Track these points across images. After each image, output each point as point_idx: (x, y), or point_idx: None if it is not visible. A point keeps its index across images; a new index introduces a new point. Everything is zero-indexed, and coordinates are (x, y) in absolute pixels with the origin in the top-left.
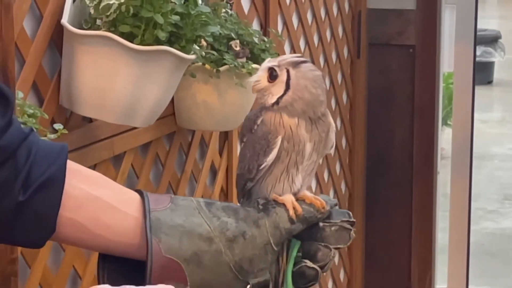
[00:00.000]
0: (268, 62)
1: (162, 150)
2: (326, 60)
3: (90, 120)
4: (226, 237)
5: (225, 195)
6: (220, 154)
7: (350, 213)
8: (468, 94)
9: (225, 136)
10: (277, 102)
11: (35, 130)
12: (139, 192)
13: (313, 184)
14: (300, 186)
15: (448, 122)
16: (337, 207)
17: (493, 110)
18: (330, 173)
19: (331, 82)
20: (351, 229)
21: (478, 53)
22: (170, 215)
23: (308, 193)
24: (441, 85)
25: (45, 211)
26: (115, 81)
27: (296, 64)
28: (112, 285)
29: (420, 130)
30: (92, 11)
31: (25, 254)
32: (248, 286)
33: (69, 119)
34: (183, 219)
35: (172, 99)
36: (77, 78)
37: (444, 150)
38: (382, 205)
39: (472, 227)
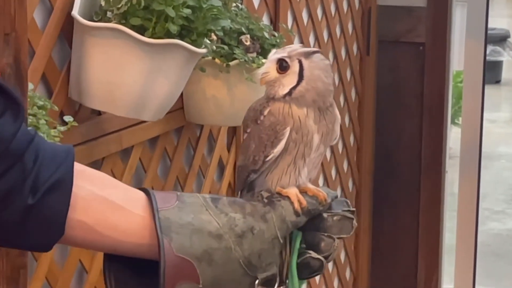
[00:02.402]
0: (276, 54)
1: (170, 145)
2: (335, 57)
3: (99, 113)
4: (235, 233)
5: (232, 190)
6: (228, 149)
7: (349, 201)
8: (477, 93)
9: (233, 132)
10: (289, 93)
11: (39, 133)
12: (145, 191)
13: (321, 181)
14: (305, 179)
15: (456, 121)
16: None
17: (501, 109)
18: (337, 171)
19: (340, 78)
20: (353, 219)
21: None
22: (179, 213)
23: (310, 185)
24: (451, 83)
25: (54, 213)
26: (125, 74)
27: (308, 55)
28: (119, 284)
29: (429, 128)
30: (103, 3)
31: None
32: (257, 281)
33: (78, 112)
34: (192, 216)
35: (181, 93)
36: (86, 71)
37: (451, 149)
38: (390, 204)
39: (478, 228)
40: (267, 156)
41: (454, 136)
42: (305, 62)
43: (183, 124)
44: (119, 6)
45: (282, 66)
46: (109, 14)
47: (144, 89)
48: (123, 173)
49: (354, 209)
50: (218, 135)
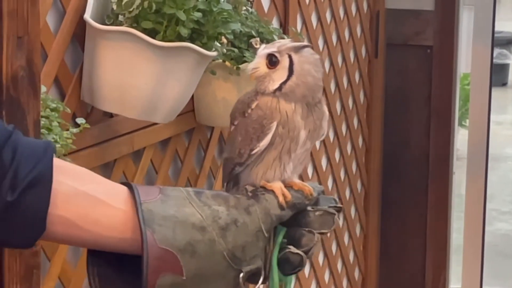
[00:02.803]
0: (266, 49)
1: (181, 146)
2: (344, 59)
3: (111, 115)
4: (218, 225)
5: None
6: None
7: (337, 199)
8: (484, 96)
9: None
10: (279, 88)
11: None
12: (127, 185)
13: (330, 183)
14: (291, 174)
15: (463, 123)
16: (323, 194)
17: (507, 112)
18: (346, 172)
19: (349, 81)
20: (335, 214)
21: None
22: (162, 206)
23: (296, 180)
24: (458, 86)
25: (35, 210)
26: (137, 77)
27: (298, 49)
28: (102, 280)
29: (436, 130)
30: (114, 6)
31: (45, 248)
32: (241, 274)
33: (90, 114)
34: (175, 209)
35: (192, 95)
36: (98, 74)
37: (458, 150)
38: (398, 205)
39: (486, 228)
40: (253, 150)
41: (461, 138)
42: (295, 57)
43: (194, 126)
44: (131, 9)
45: (272, 61)
46: (120, 17)
47: (155, 92)
48: (134, 175)
49: (341, 205)
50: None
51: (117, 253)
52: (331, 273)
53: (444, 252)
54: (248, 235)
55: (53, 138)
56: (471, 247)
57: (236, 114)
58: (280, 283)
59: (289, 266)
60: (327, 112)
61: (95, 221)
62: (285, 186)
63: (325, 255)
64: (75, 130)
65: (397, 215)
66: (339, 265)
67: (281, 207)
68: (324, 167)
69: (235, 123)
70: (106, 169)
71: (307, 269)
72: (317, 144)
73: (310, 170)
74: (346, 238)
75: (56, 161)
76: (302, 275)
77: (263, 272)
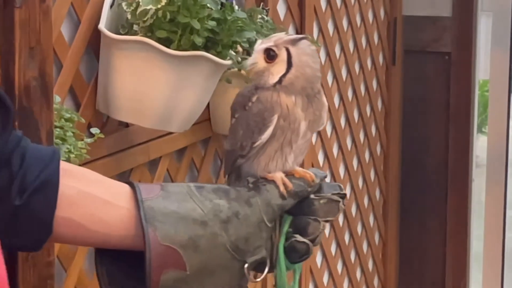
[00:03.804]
0: (263, 44)
1: (198, 155)
2: (361, 67)
3: (127, 125)
4: (220, 219)
5: None
6: None
7: (341, 185)
8: (503, 102)
9: None
10: (279, 81)
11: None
12: (130, 184)
13: (348, 191)
14: (292, 164)
15: (483, 130)
16: (327, 180)
17: None
18: (364, 180)
19: (366, 88)
20: (339, 201)
21: None
22: (163, 202)
23: (297, 168)
24: (477, 92)
25: (42, 213)
26: (152, 86)
27: (295, 42)
28: (110, 277)
29: (456, 137)
30: (129, 16)
31: (61, 258)
32: (246, 265)
33: (105, 124)
34: (176, 205)
35: (208, 104)
36: (113, 83)
37: (478, 157)
38: (417, 213)
39: (506, 235)
40: (255, 142)
41: (481, 145)
42: (292, 50)
43: (210, 135)
44: (145, 19)
45: (270, 55)
46: (135, 27)
47: (171, 101)
48: None
49: (345, 192)
50: None
51: (124, 251)
52: (350, 281)
53: (464, 259)
54: (250, 226)
55: (67, 148)
56: (491, 255)
57: (236, 107)
58: (288, 271)
59: (296, 255)
60: (326, 103)
61: (100, 221)
62: (287, 175)
63: (344, 263)
64: (89, 140)
65: (416, 222)
66: (358, 273)
67: (282, 197)
68: (342, 175)
69: (236, 116)
70: (122, 179)
71: (325, 277)
72: (335, 152)
73: (327, 178)
74: (365, 246)
75: (62, 164)
76: (320, 283)
77: (268, 262)
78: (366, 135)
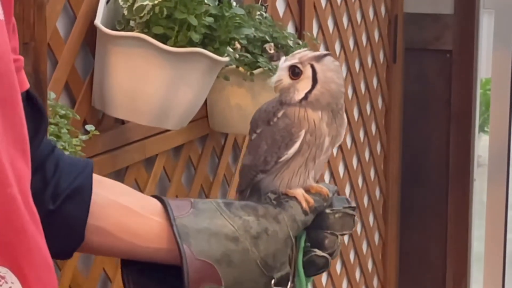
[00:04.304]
0: (287, 61)
1: (195, 153)
2: (361, 64)
3: (122, 122)
4: (250, 235)
5: None
6: None
7: (349, 199)
8: (506, 101)
9: None
10: (305, 97)
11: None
12: (159, 199)
13: (347, 189)
14: (311, 180)
15: (485, 129)
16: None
17: None
18: (364, 179)
19: (367, 86)
20: (354, 215)
21: None
22: (194, 219)
23: (313, 183)
24: (478, 91)
25: (74, 219)
26: (148, 83)
27: (319, 58)
28: (136, 286)
29: (457, 136)
30: (125, 12)
31: None
32: (273, 281)
33: (101, 121)
34: (207, 221)
35: (205, 101)
36: (109, 80)
37: (480, 157)
38: (417, 212)
39: (507, 236)
40: (280, 157)
41: (484, 144)
42: (317, 66)
43: (207, 133)
44: (142, 15)
45: (295, 72)
46: (131, 23)
47: (167, 98)
48: (147, 182)
49: (354, 205)
50: (243, 143)
51: (146, 262)
52: (349, 282)
53: (465, 260)
54: (278, 242)
55: (62, 145)
56: (492, 255)
57: (258, 122)
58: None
59: (313, 268)
60: (346, 119)
61: (131, 231)
62: (305, 191)
63: (343, 263)
64: (84, 137)
65: (416, 222)
66: (358, 274)
67: (305, 213)
68: (341, 174)
69: (258, 131)
70: (117, 176)
71: (324, 278)
72: (334, 150)
73: (327, 177)
74: (364, 246)
75: (94, 175)
76: (319, 285)
77: (291, 278)
78: (366, 133)
